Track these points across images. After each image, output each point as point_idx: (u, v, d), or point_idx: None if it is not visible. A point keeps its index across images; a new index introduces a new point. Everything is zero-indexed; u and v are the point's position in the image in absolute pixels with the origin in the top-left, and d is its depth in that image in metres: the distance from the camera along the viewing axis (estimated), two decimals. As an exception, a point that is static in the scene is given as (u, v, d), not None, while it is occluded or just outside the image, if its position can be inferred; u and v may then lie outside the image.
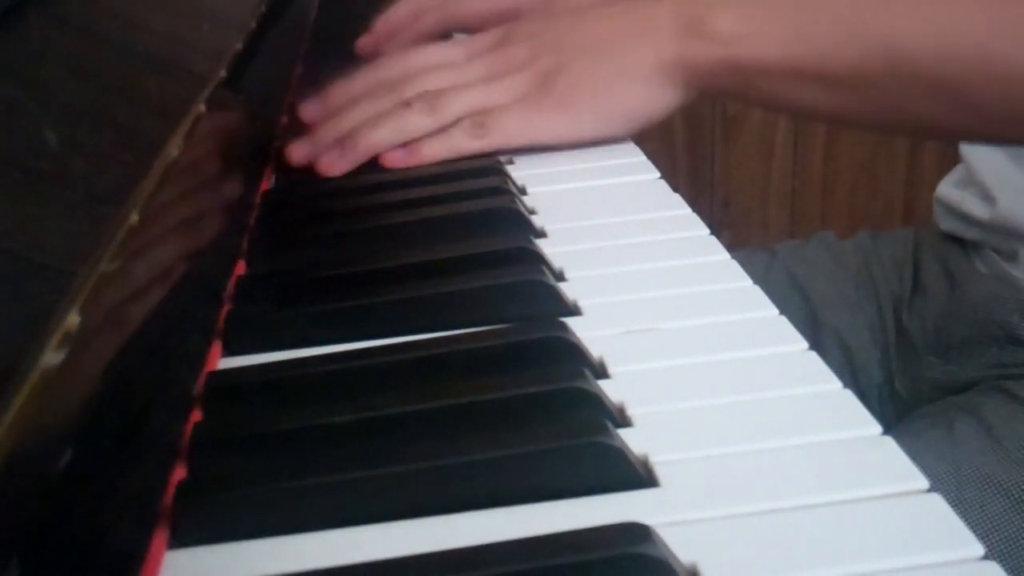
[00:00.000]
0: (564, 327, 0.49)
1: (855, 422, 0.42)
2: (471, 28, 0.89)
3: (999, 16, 0.66)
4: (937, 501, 0.37)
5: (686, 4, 0.72)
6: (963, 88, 0.67)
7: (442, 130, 0.74)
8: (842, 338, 1.03)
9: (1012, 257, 0.93)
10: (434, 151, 0.74)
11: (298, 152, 0.76)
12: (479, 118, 0.74)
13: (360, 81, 0.79)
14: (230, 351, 0.51)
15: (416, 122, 0.74)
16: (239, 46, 0.68)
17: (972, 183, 0.97)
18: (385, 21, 0.93)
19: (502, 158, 0.75)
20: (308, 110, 0.78)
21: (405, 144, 0.74)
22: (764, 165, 2.10)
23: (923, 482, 0.38)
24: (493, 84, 0.75)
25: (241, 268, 0.60)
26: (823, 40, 0.70)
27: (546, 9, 0.83)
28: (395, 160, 0.74)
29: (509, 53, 0.76)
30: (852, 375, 1.01)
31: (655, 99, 0.73)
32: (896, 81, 0.69)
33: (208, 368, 0.49)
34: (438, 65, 0.78)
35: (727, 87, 0.74)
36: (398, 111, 0.75)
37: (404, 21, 0.92)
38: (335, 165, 0.74)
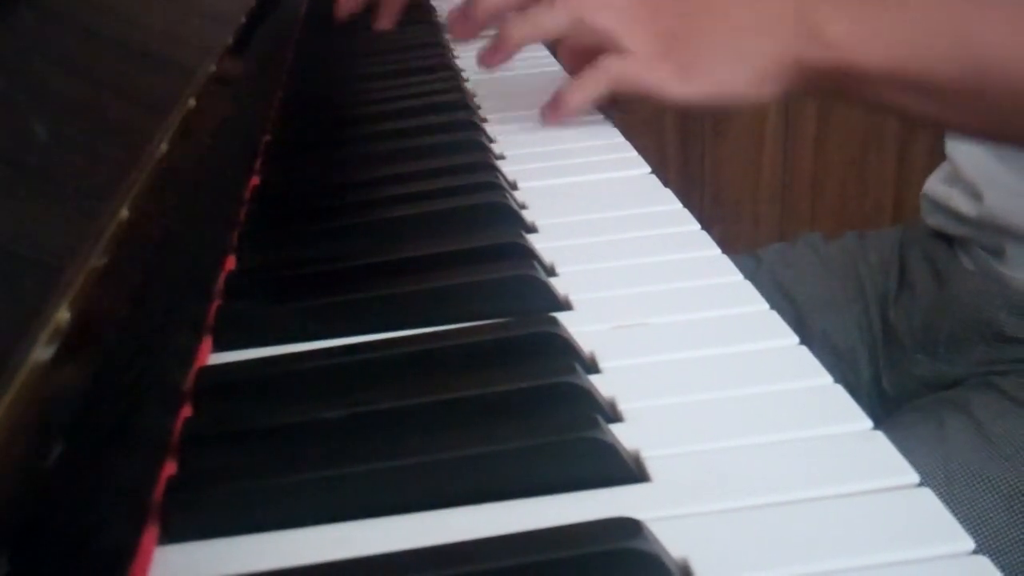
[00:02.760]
0: (555, 322, 0.49)
1: (845, 417, 0.42)
2: None
3: None
4: (927, 496, 0.37)
5: (807, 9, 0.75)
6: None
7: (579, 45, 0.81)
8: (830, 337, 1.03)
9: (999, 253, 0.93)
10: (574, 98, 0.79)
11: (457, 28, 0.85)
12: (612, 56, 0.78)
13: None
14: (220, 347, 0.51)
15: (556, 21, 0.79)
16: (229, 40, 0.68)
17: (959, 180, 0.98)
18: None
19: (493, 153, 0.75)
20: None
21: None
22: (754, 161, 2.10)
23: (913, 477, 0.38)
24: (633, 24, 0.78)
25: (231, 263, 0.60)
26: (926, 52, 0.73)
27: None
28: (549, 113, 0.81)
29: (647, 3, 0.80)
30: (840, 374, 1.01)
31: (761, 88, 0.77)
32: (993, 96, 0.72)
33: (198, 364, 0.49)
34: None
35: (831, 89, 0.78)
36: (543, 9, 0.79)
37: None
38: (493, 58, 0.82)
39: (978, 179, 0.94)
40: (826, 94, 0.83)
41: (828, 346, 1.02)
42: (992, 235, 0.94)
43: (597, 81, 0.78)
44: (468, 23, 0.85)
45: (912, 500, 0.37)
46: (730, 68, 0.77)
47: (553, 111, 0.80)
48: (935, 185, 1.02)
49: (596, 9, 0.78)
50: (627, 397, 0.44)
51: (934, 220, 1.01)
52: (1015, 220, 0.91)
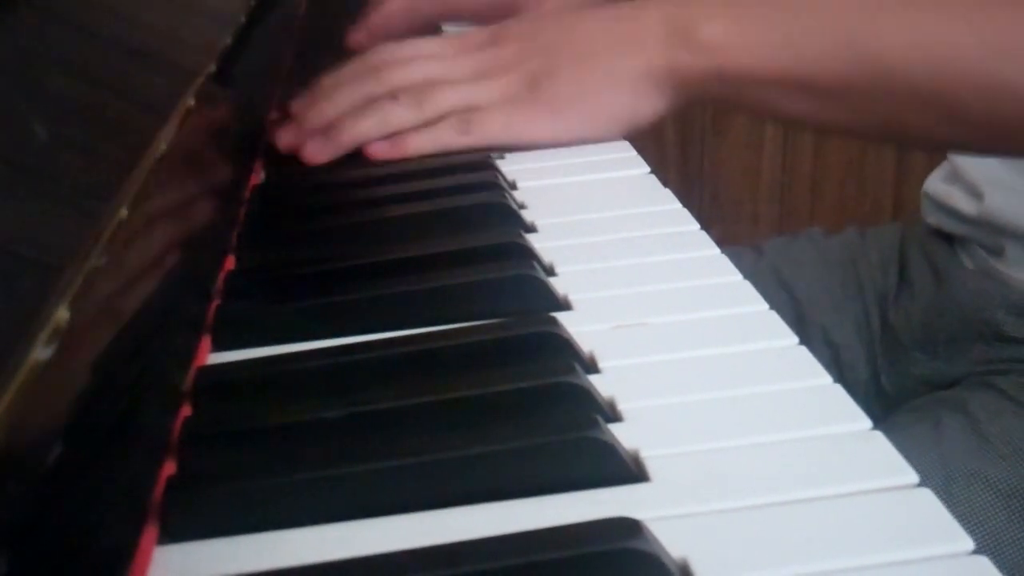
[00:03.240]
0: (554, 322, 0.49)
1: (844, 417, 0.42)
2: (465, 20, 0.89)
3: (988, 30, 0.66)
4: (927, 495, 0.37)
5: (675, 13, 0.72)
6: (951, 101, 0.67)
7: (427, 125, 0.74)
8: (828, 335, 1.03)
9: (999, 253, 0.93)
10: (419, 144, 0.74)
11: (284, 137, 0.76)
12: (465, 115, 0.74)
13: (348, 69, 0.78)
14: (219, 346, 0.51)
15: (401, 115, 0.74)
16: (228, 40, 0.68)
17: (960, 179, 0.98)
18: (379, 12, 0.92)
19: (492, 153, 0.75)
20: (297, 100, 0.78)
21: (390, 136, 0.74)
22: (754, 160, 2.10)
23: (913, 476, 0.38)
24: (481, 82, 0.74)
25: (230, 263, 0.60)
26: (811, 51, 0.69)
27: (538, 7, 0.83)
28: (379, 151, 0.74)
29: (499, 53, 0.75)
30: (839, 372, 1.01)
31: (642, 106, 0.74)
32: (884, 93, 0.69)
33: (197, 363, 0.49)
34: (427, 57, 0.77)
35: (715, 95, 0.74)
36: (384, 103, 0.74)
37: (399, 12, 0.92)
38: (319, 153, 0.74)
39: (978, 178, 0.94)
40: (715, 102, 0.78)
41: (827, 343, 1.02)
42: (992, 234, 0.94)
43: (446, 143, 0.73)
44: (300, 134, 0.76)
45: (911, 500, 0.37)
46: (606, 92, 0.73)
47: (390, 147, 0.74)
48: (935, 184, 1.02)
49: (440, 92, 0.74)
50: (626, 397, 0.44)
51: (934, 219, 1.01)
52: (1015, 219, 0.91)
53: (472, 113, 0.74)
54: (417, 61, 0.77)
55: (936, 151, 0.81)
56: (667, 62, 0.71)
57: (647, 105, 0.73)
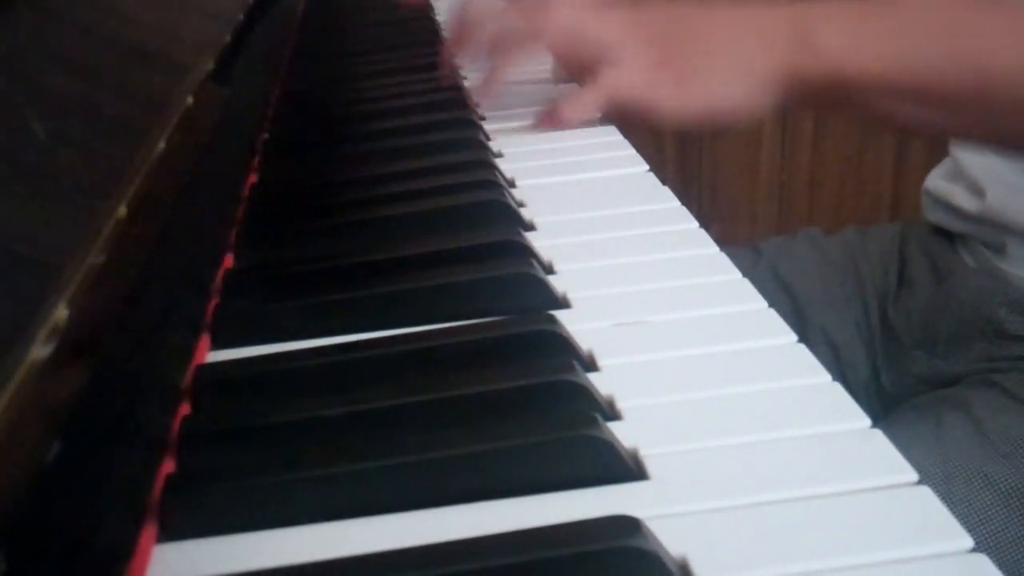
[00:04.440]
0: (553, 320, 0.49)
1: (844, 415, 0.42)
2: None
3: None
4: (926, 494, 0.37)
5: (799, 19, 0.75)
6: None
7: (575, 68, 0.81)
8: (828, 334, 1.03)
9: (1000, 250, 0.93)
10: (572, 109, 0.80)
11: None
12: (607, 68, 0.78)
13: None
14: (218, 345, 0.51)
15: (550, 35, 0.80)
16: (227, 39, 0.68)
17: (961, 176, 0.98)
18: None
19: (491, 151, 0.75)
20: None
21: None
22: (752, 159, 2.10)
23: (912, 475, 0.38)
24: (628, 42, 0.78)
25: (229, 261, 0.60)
26: (921, 61, 0.73)
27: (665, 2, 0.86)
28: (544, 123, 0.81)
29: (643, 16, 0.80)
30: (839, 371, 1.01)
31: (756, 101, 0.77)
32: (988, 102, 0.72)
33: (196, 362, 0.49)
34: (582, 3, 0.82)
35: (829, 98, 0.77)
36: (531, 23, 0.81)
37: None
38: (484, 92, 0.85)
39: (980, 175, 0.94)
40: (821, 106, 0.83)
41: (827, 342, 1.02)
42: (993, 232, 0.93)
43: (596, 97, 0.78)
44: (462, 36, 0.87)
45: (911, 498, 0.37)
46: (726, 80, 0.77)
47: (548, 121, 0.81)
48: (936, 181, 1.02)
49: (589, 22, 0.79)
50: (625, 395, 0.44)
51: (935, 216, 1.01)
52: (1017, 217, 0.91)
53: (612, 68, 0.78)
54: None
55: None
56: (788, 64, 0.75)
57: (762, 100, 0.77)
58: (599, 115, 0.80)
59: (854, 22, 0.74)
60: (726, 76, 0.77)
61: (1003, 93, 0.71)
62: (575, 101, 0.80)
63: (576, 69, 0.81)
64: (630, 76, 0.77)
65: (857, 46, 0.73)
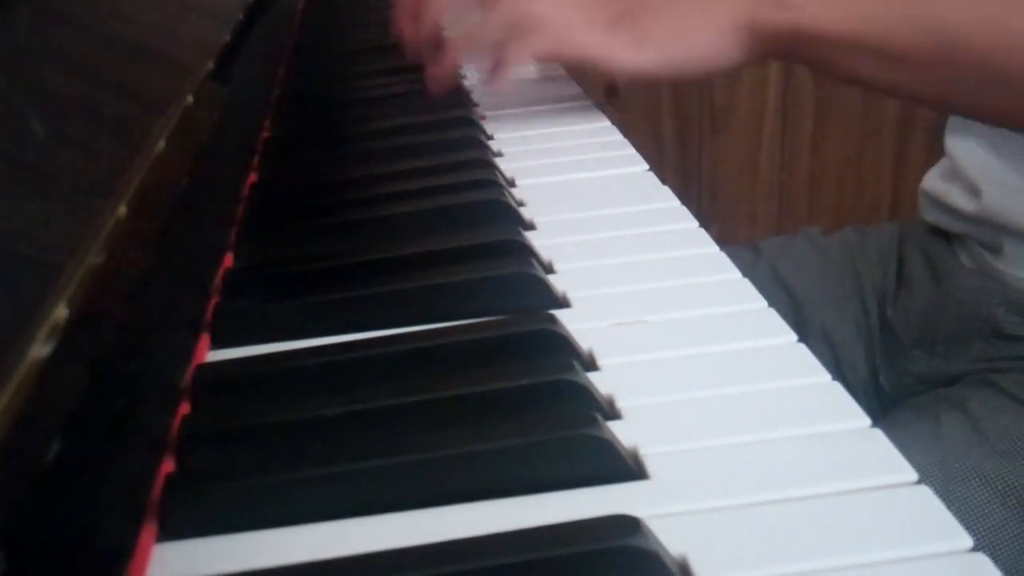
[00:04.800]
0: (553, 319, 0.49)
1: (844, 414, 0.42)
2: None
3: None
4: (926, 493, 0.37)
5: None
6: (1012, 76, 0.71)
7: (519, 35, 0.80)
8: (827, 333, 1.03)
9: (997, 251, 0.93)
10: (516, 55, 0.79)
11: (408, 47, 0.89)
12: (560, 29, 0.78)
13: None
14: (218, 344, 0.51)
15: (496, 27, 0.80)
16: (227, 38, 0.68)
17: (958, 176, 0.98)
18: None
19: (491, 150, 0.75)
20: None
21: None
22: (752, 158, 2.10)
23: (912, 474, 0.38)
24: (577, 10, 0.79)
25: (229, 261, 0.60)
26: (882, 19, 0.74)
27: None
28: (487, 85, 0.82)
29: None
30: (837, 370, 1.01)
31: (720, 53, 0.77)
32: (948, 65, 0.72)
33: (196, 361, 0.49)
34: None
35: (790, 52, 0.78)
36: (486, 24, 0.81)
37: None
38: (439, 70, 0.85)
39: (977, 175, 0.94)
40: (790, 59, 0.83)
41: (826, 341, 1.02)
42: (990, 232, 0.93)
43: (542, 47, 0.78)
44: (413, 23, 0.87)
45: (910, 497, 0.37)
46: (687, 34, 0.77)
47: (493, 76, 0.81)
48: (933, 181, 1.02)
49: (537, 7, 0.79)
50: (625, 394, 0.44)
51: (932, 216, 1.01)
52: (1014, 217, 0.91)
53: (564, 30, 0.78)
54: None
55: (999, 126, 0.85)
56: (750, 16, 0.76)
57: (724, 53, 0.77)
58: (542, 60, 0.82)
59: None
60: (684, 32, 0.77)
61: (963, 54, 0.71)
62: (517, 44, 0.79)
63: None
64: (583, 36, 0.77)
65: (820, 1, 0.74)
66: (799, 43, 0.76)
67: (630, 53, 0.77)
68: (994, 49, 0.71)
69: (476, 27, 0.81)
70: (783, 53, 0.79)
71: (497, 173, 0.70)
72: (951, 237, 0.99)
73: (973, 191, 0.95)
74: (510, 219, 0.62)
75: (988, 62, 0.71)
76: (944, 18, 0.72)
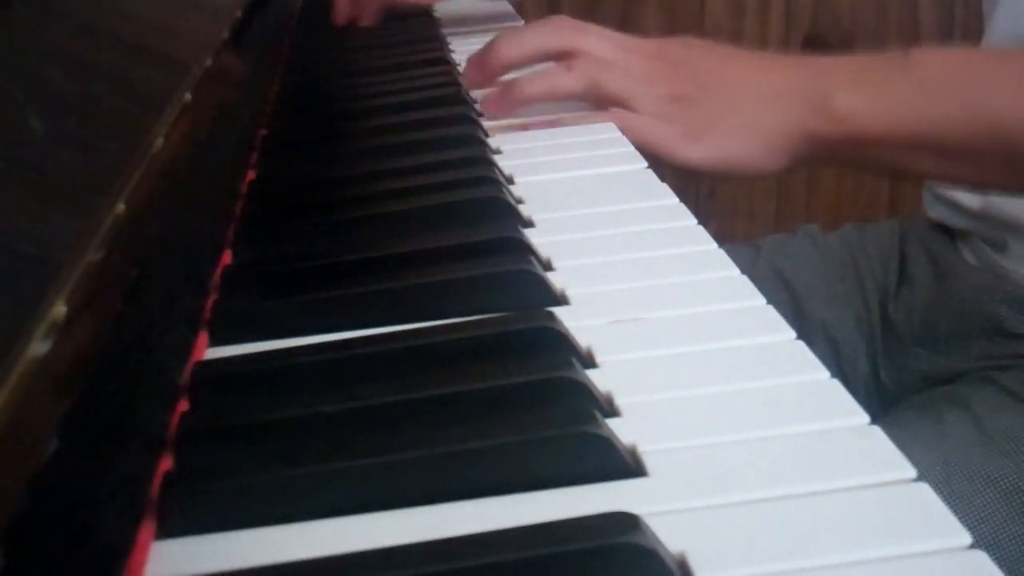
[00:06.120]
0: (552, 317, 0.49)
1: (843, 411, 0.42)
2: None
3: None
4: (925, 491, 0.37)
5: (815, 78, 0.76)
6: None
7: (588, 99, 0.81)
8: (828, 330, 1.03)
9: (1001, 247, 0.93)
10: (567, 87, 0.80)
11: (470, 73, 0.88)
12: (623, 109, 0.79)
13: (535, 24, 0.86)
14: (217, 341, 0.51)
15: (570, 84, 0.80)
16: (225, 35, 0.68)
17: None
18: None
19: (490, 147, 0.75)
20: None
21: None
22: (751, 156, 2.10)
23: (911, 471, 0.38)
24: (646, 85, 0.79)
25: (227, 258, 0.60)
26: (937, 115, 0.74)
27: (690, 41, 0.86)
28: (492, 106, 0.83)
29: (663, 68, 0.80)
30: (838, 367, 1.01)
31: (766, 161, 0.77)
32: (1001, 155, 0.73)
33: (195, 358, 0.49)
34: (606, 39, 0.82)
35: (842, 158, 0.79)
36: (559, 70, 0.80)
37: None
38: (496, 107, 0.83)
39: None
40: (836, 163, 0.84)
41: (827, 338, 1.02)
42: (995, 228, 0.93)
43: (604, 114, 0.79)
44: (483, 72, 0.86)
45: (909, 495, 0.37)
46: (740, 136, 0.77)
47: (504, 101, 0.82)
48: (939, 177, 1.02)
49: (611, 74, 0.79)
50: (624, 392, 0.44)
51: (936, 212, 1.01)
52: (1018, 213, 0.91)
53: (632, 110, 0.79)
54: (597, 35, 0.82)
55: None
56: (802, 127, 0.76)
57: (771, 161, 0.77)
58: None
59: (869, 81, 0.75)
60: (739, 133, 0.77)
61: (1015, 148, 0.72)
62: (559, 81, 0.80)
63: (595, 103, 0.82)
64: (641, 120, 0.78)
65: (873, 105, 0.74)
66: (855, 150, 0.76)
67: (684, 147, 0.77)
68: None
69: (550, 79, 0.81)
70: (836, 159, 0.80)
71: (496, 170, 0.70)
72: (954, 234, 0.99)
73: (978, 187, 0.95)
74: (509, 216, 0.62)
75: None
76: (996, 111, 0.72)
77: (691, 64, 0.80)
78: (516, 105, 0.82)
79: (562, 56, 0.81)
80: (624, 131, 0.77)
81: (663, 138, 0.78)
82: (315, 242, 0.62)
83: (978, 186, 0.86)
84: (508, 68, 0.85)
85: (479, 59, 0.86)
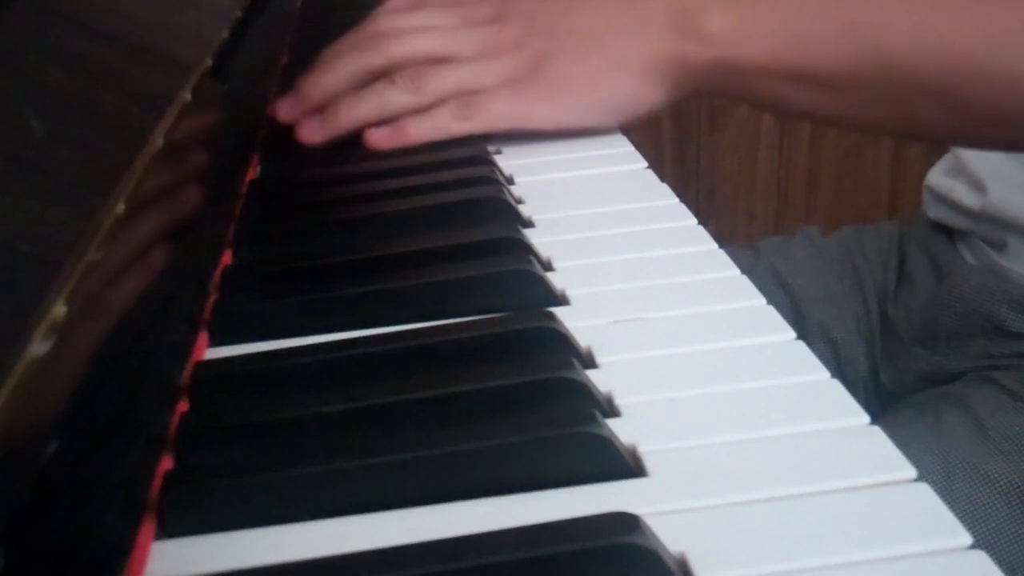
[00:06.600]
0: (552, 317, 0.49)
1: (843, 412, 0.42)
2: None
3: (991, 19, 0.66)
4: (925, 491, 0.37)
5: (680, 2, 0.71)
6: (955, 91, 0.67)
7: (427, 109, 0.73)
8: (827, 331, 1.03)
9: (1001, 247, 0.93)
10: (420, 131, 0.73)
11: (283, 108, 0.76)
12: (465, 99, 0.73)
13: (348, 39, 0.77)
14: (217, 341, 0.51)
15: (399, 99, 0.73)
16: (225, 35, 0.68)
17: (963, 172, 0.98)
18: None
19: (490, 147, 0.75)
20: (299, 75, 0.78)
21: (389, 123, 0.73)
22: (750, 155, 2.10)
23: (911, 471, 0.38)
24: (482, 63, 0.73)
25: (227, 258, 0.60)
26: (815, 42, 0.69)
27: None
28: (379, 140, 0.73)
29: (502, 32, 0.74)
30: (838, 368, 1.01)
31: (642, 95, 0.73)
32: (889, 84, 0.68)
33: (195, 358, 0.49)
34: (427, 28, 0.76)
35: (719, 87, 0.73)
36: (381, 86, 0.74)
37: None
38: (315, 133, 0.74)
39: (982, 171, 0.94)
40: (718, 93, 0.77)
41: (826, 339, 1.02)
42: (994, 228, 0.93)
43: (447, 129, 0.73)
44: (302, 106, 0.76)
45: (909, 495, 0.37)
46: (608, 78, 0.72)
47: (391, 134, 0.73)
48: (937, 177, 1.02)
49: (438, 75, 0.73)
50: (624, 392, 0.44)
51: (935, 212, 1.01)
52: (1019, 213, 0.91)
53: (472, 97, 0.73)
54: (417, 33, 0.76)
55: (940, 143, 0.80)
56: (671, 52, 0.71)
57: (648, 94, 0.72)
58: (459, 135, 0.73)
59: (742, 5, 0.70)
60: (602, 75, 0.72)
61: (904, 74, 0.67)
62: (428, 119, 0.73)
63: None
64: (496, 101, 0.72)
65: (744, 29, 0.69)
66: (728, 76, 0.71)
67: (548, 110, 0.72)
68: (937, 65, 0.67)
69: (377, 98, 0.73)
70: (711, 88, 0.73)
71: (496, 170, 0.70)
72: (954, 234, 0.99)
73: (978, 187, 0.95)
74: (509, 216, 0.62)
75: (936, 80, 0.67)
76: (883, 36, 0.67)
77: (538, 16, 0.74)
78: (342, 131, 0.74)
79: (384, 71, 0.74)
80: (490, 126, 0.72)
81: (523, 109, 0.72)
82: (315, 242, 0.62)
83: (857, 126, 0.78)
84: (328, 99, 0.75)
85: (296, 93, 0.76)
